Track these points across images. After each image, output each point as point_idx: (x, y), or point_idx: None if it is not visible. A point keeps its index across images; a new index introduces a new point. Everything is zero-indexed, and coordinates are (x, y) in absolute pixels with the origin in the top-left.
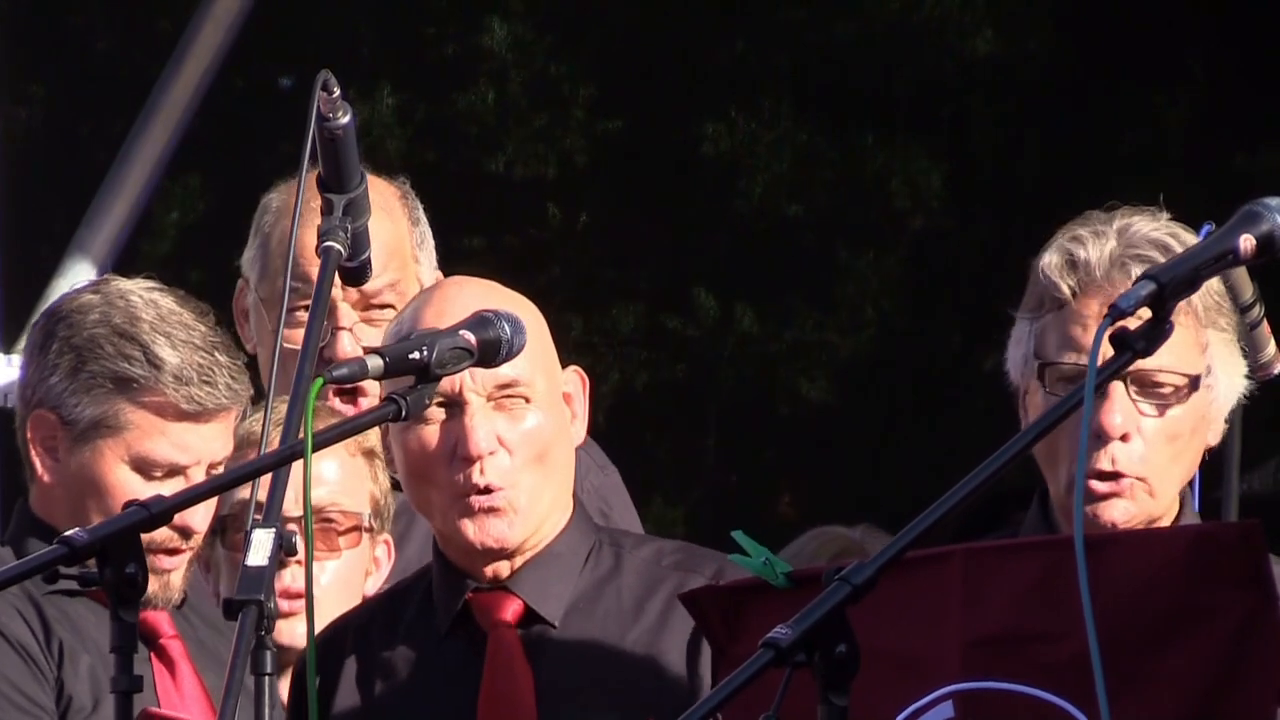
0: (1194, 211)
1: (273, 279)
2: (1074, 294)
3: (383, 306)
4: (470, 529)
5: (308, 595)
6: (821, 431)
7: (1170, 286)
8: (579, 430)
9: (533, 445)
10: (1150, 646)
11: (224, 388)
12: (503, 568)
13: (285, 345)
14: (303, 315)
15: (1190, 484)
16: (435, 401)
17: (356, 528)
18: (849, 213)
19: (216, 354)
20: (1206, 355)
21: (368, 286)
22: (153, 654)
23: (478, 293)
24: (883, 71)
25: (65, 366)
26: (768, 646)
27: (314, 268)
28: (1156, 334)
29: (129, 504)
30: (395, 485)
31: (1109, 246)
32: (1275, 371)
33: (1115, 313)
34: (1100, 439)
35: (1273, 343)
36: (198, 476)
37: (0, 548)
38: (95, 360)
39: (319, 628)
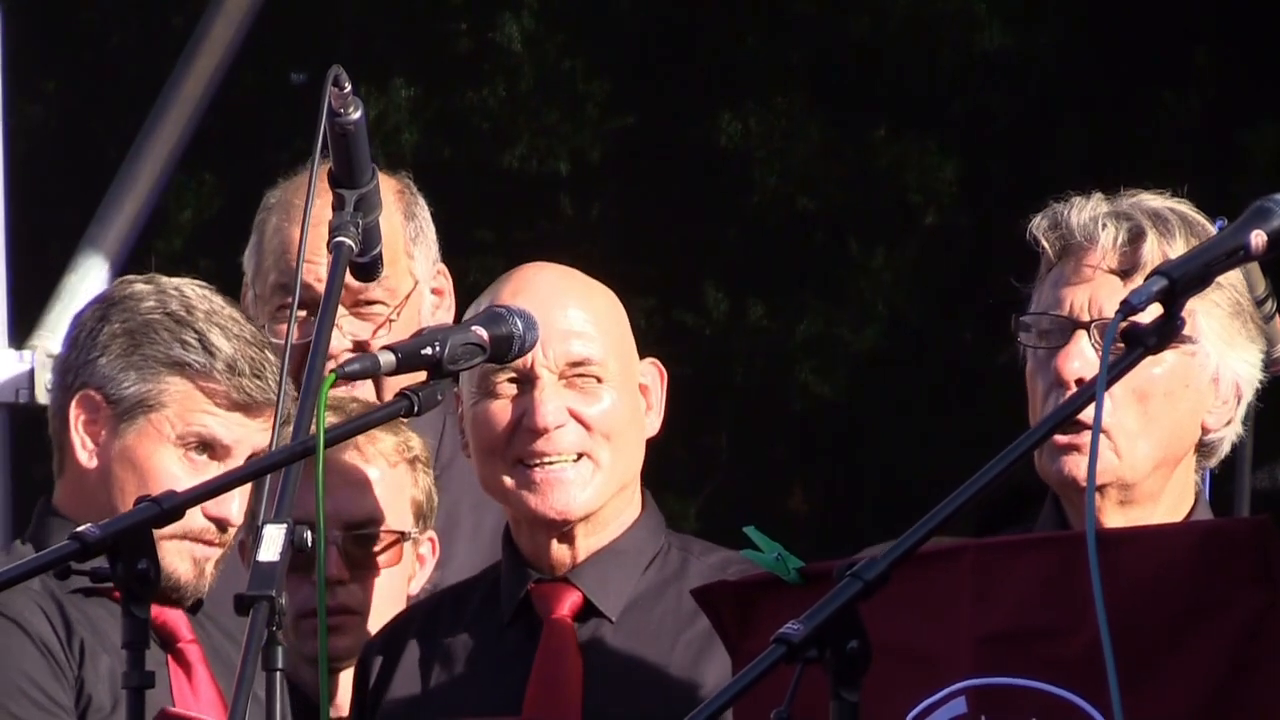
0: (1206, 207)
1: (264, 276)
2: (1057, 254)
3: (371, 302)
4: (533, 499)
5: (320, 594)
6: (834, 427)
7: (1181, 282)
8: (654, 422)
9: (602, 424)
10: (1162, 642)
11: (272, 383)
12: (567, 558)
13: (274, 340)
14: (299, 313)
15: (1202, 478)
16: (507, 378)
17: (398, 541)
18: (862, 207)
19: (266, 351)
20: (1191, 321)
21: (353, 282)
22: (170, 657)
23: (554, 276)
24: (896, 65)
25: (117, 348)
26: (779, 642)
27: (316, 265)
28: (1168, 329)
29: (140, 499)
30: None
31: (1095, 208)
32: None
33: (1126, 308)
34: (1059, 385)
35: None
36: (238, 462)
37: (22, 545)
38: (150, 344)
39: (364, 639)
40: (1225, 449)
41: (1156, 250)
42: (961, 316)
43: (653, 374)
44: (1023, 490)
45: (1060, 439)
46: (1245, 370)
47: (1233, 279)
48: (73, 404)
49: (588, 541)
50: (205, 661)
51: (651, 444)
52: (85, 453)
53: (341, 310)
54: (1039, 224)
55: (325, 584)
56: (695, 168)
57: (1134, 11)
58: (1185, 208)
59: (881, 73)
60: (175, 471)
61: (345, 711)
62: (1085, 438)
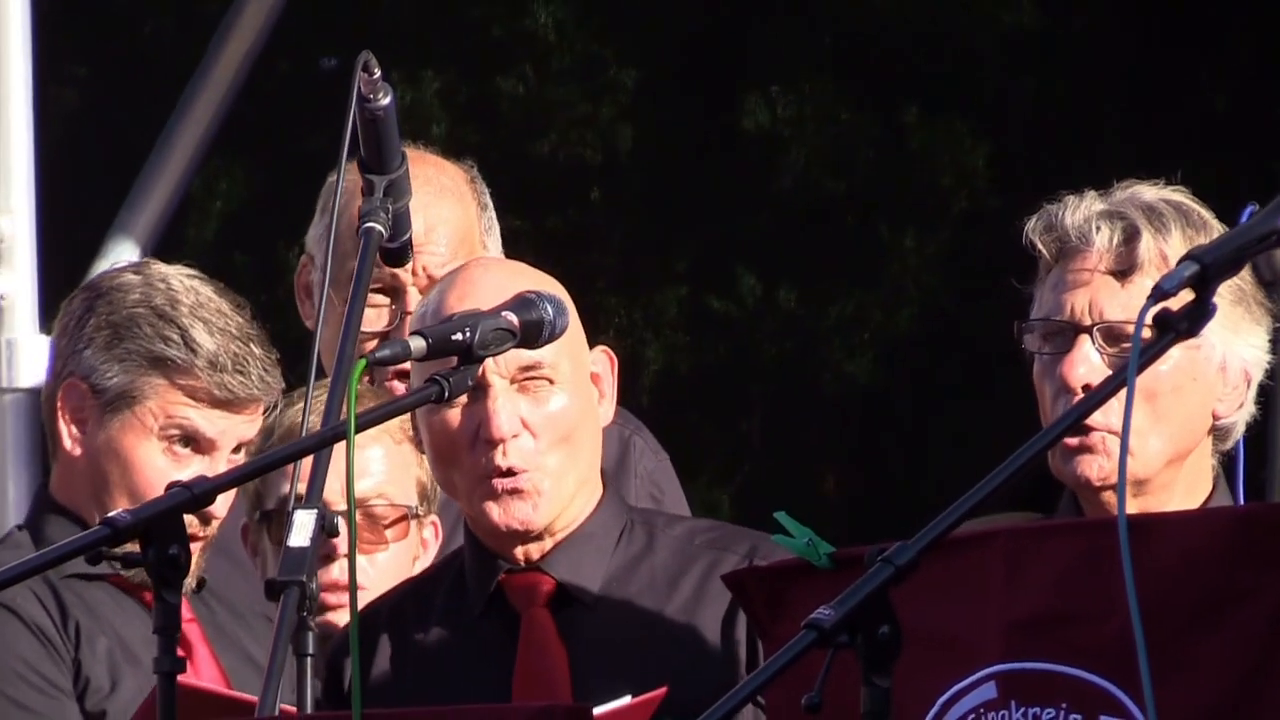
0: (1241, 190)
1: (342, 260)
2: (1055, 256)
3: None
4: (495, 511)
5: (350, 578)
6: (865, 410)
7: (1214, 267)
8: (606, 410)
9: (557, 427)
10: (1192, 628)
11: (256, 379)
12: (535, 549)
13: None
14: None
15: (1234, 463)
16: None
17: (404, 518)
18: (892, 191)
19: (251, 345)
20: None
21: (437, 272)
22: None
23: (504, 274)
24: (924, 48)
25: (101, 341)
26: (810, 628)
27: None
28: (1199, 314)
29: (172, 485)
30: None
31: (1089, 206)
32: None
33: (1158, 294)
34: (1066, 391)
35: None
36: (223, 455)
37: (20, 532)
38: (133, 339)
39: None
40: (1239, 431)
41: (1153, 248)
42: (993, 299)
43: (603, 362)
44: (1043, 478)
45: (1071, 441)
46: (1252, 354)
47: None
48: (60, 392)
49: (556, 534)
50: (205, 640)
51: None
52: (71, 440)
53: (420, 298)
54: (1034, 226)
55: (342, 559)
56: (724, 154)
57: None
58: (1181, 196)
59: (909, 55)
60: (159, 464)
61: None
62: (1094, 439)
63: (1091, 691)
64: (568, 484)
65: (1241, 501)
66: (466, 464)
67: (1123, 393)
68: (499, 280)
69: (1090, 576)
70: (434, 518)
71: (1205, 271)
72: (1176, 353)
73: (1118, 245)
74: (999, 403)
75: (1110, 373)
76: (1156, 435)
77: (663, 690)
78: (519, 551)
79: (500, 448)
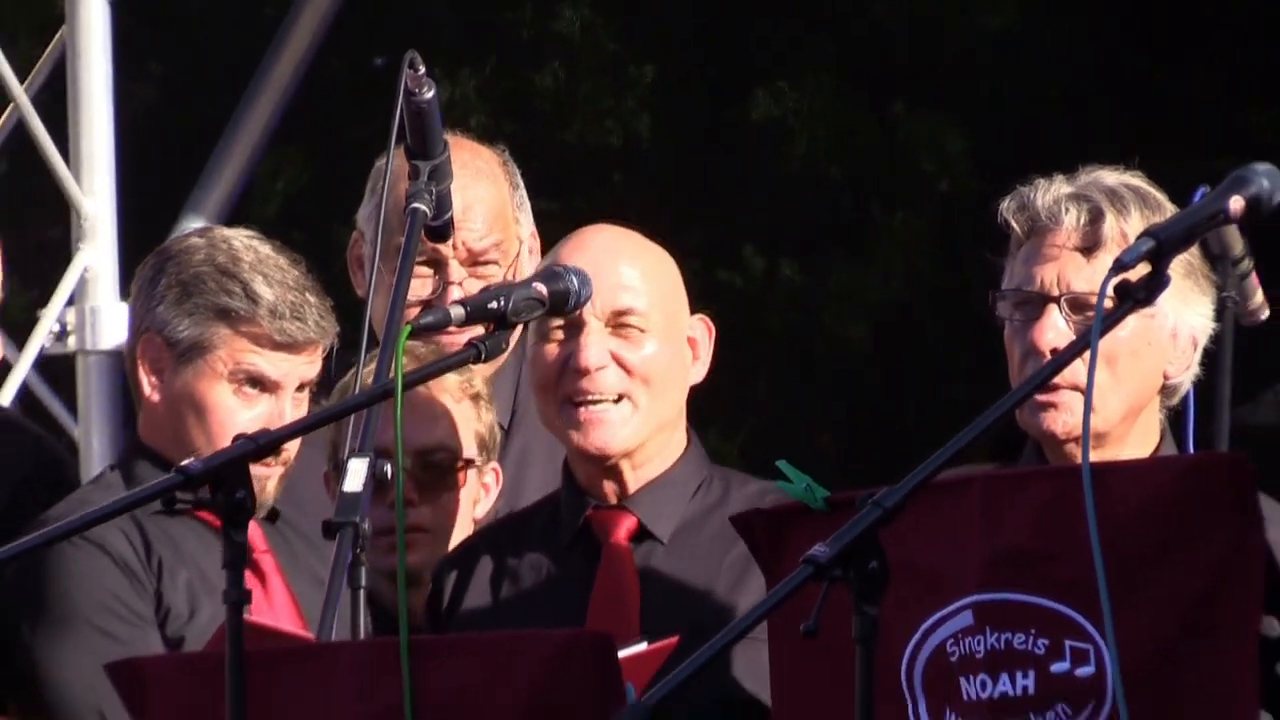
0: (1189, 179)
1: (390, 236)
2: (1026, 233)
3: (487, 263)
4: (577, 436)
5: (399, 521)
6: (859, 372)
7: (1168, 243)
8: (698, 371)
9: (641, 369)
10: (1148, 563)
11: (313, 324)
12: (619, 488)
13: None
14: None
15: (1184, 417)
16: (559, 324)
17: (464, 467)
18: (882, 176)
19: (307, 294)
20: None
21: (475, 246)
22: (246, 568)
23: (610, 236)
24: (912, 49)
25: (172, 298)
26: (808, 563)
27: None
28: (1155, 285)
29: (239, 437)
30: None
31: (1056, 189)
32: (1263, 317)
33: (1119, 266)
34: (1035, 354)
35: (1260, 292)
36: (288, 394)
37: (111, 472)
38: (200, 294)
39: (437, 554)
40: (1184, 390)
41: (1115, 227)
42: (972, 272)
43: (701, 329)
44: (1007, 432)
45: (1040, 398)
46: (1199, 322)
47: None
48: (139, 346)
49: (636, 473)
50: (279, 570)
51: (698, 387)
52: (151, 388)
53: (461, 272)
54: (1008, 206)
55: (402, 508)
56: (733, 141)
57: None
58: (1139, 181)
59: (901, 56)
60: (230, 404)
61: (419, 619)
62: (1061, 396)
63: (1058, 619)
64: (646, 421)
65: (1191, 451)
66: (557, 392)
67: (1087, 354)
68: (607, 241)
69: (1057, 518)
70: (494, 465)
71: (1160, 247)
72: (1134, 321)
73: (1084, 225)
74: (979, 364)
75: (1074, 338)
76: (1115, 394)
77: (674, 640)
78: (608, 488)
79: (587, 377)
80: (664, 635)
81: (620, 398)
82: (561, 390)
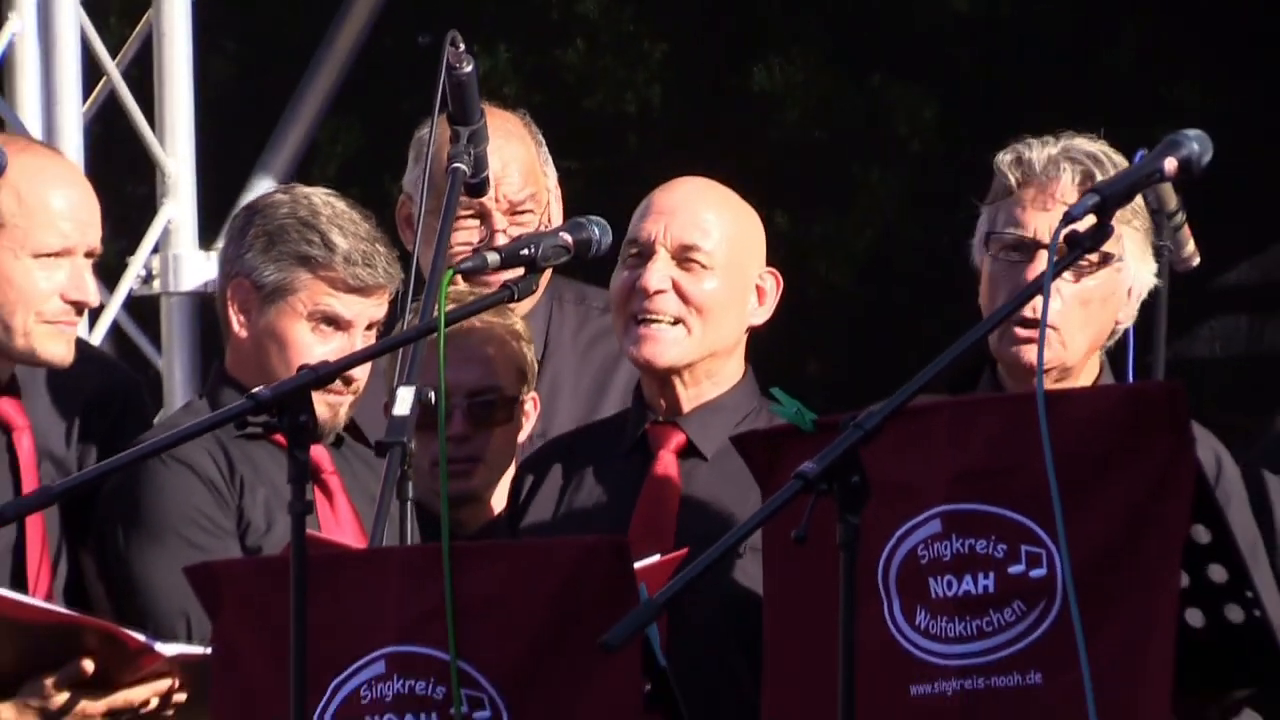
0: (1135, 143)
1: (436, 193)
2: (1018, 183)
3: (523, 212)
4: (633, 348)
5: (441, 442)
6: (842, 309)
7: (1111, 199)
8: (762, 314)
9: (698, 300)
10: (1094, 477)
11: (382, 270)
12: (676, 406)
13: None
14: (459, 222)
15: (1124, 351)
16: (635, 252)
17: (510, 403)
18: (862, 138)
19: (376, 244)
20: (1119, 244)
21: (514, 197)
22: (316, 486)
23: (698, 185)
24: (887, 28)
25: (259, 246)
26: (798, 478)
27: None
28: (1100, 234)
29: (302, 368)
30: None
31: (1050, 149)
32: (1194, 264)
33: (1068, 218)
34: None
35: (1191, 242)
36: (359, 331)
37: (199, 399)
38: (284, 243)
39: (491, 479)
40: (1121, 332)
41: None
42: (940, 223)
43: (771, 281)
44: (981, 360)
45: (1022, 333)
46: (1148, 280)
47: (1140, 206)
48: (229, 289)
49: (689, 393)
50: (344, 490)
51: None
52: (239, 326)
53: (503, 221)
54: (1004, 158)
55: (447, 436)
56: (733, 109)
57: None
58: (1107, 147)
59: (877, 34)
60: (308, 340)
61: (467, 530)
62: (1037, 332)
63: (1015, 527)
64: (697, 346)
65: (1131, 380)
66: (624, 310)
67: (1067, 295)
68: (695, 188)
69: (1014, 438)
70: (534, 395)
71: (1104, 202)
72: (1105, 274)
73: (1079, 183)
74: (945, 304)
75: (1060, 283)
76: (1083, 333)
77: (683, 551)
78: (665, 405)
79: (648, 298)
80: (695, 538)
81: (676, 321)
82: (629, 308)
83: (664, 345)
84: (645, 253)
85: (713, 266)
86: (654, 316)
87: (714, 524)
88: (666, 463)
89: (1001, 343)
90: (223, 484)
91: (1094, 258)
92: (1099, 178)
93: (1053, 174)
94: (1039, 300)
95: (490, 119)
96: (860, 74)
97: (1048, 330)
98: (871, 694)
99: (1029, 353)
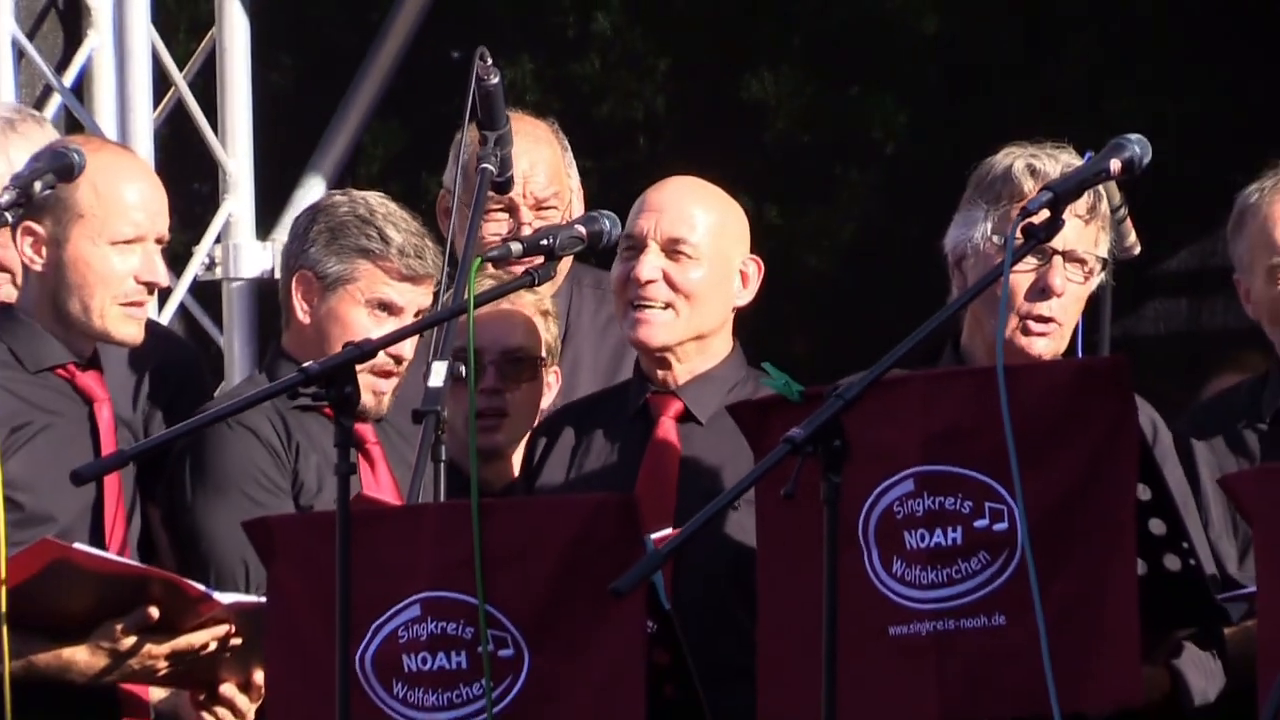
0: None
1: (469, 190)
2: (1032, 192)
3: (549, 208)
4: (630, 330)
5: (471, 409)
6: (825, 293)
7: (1063, 195)
8: (745, 296)
9: (686, 286)
10: (1049, 440)
11: (431, 262)
12: (673, 378)
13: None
14: (490, 214)
15: (1076, 330)
16: (630, 246)
17: (538, 364)
18: (843, 142)
19: (425, 240)
20: (1105, 247)
21: (539, 194)
22: (360, 454)
23: (687, 183)
24: (864, 43)
25: (322, 240)
26: (786, 441)
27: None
28: (1054, 227)
29: (347, 344)
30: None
31: (1019, 161)
32: (1135, 253)
33: (1025, 213)
34: (1045, 293)
35: (1133, 234)
36: (408, 316)
37: (259, 374)
38: (344, 238)
39: (515, 435)
40: None
41: (1102, 204)
42: (911, 216)
43: (754, 267)
44: (948, 338)
45: (1036, 327)
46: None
47: (1107, 211)
48: (294, 280)
49: (682, 367)
50: (385, 458)
51: None
52: (303, 313)
53: (529, 215)
54: (1019, 167)
55: (478, 390)
56: (729, 117)
57: (1031, 4)
58: (1065, 153)
59: (857, 49)
60: (365, 324)
61: (493, 487)
62: (1049, 327)
63: (979, 486)
64: (685, 328)
65: (1080, 355)
66: (622, 297)
67: (1079, 295)
68: (683, 186)
69: (979, 407)
70: (556, 369)
71: (1057, 198)
72: (1092, 280)
73: (1089, 201)
74: (917, 289)
75: (1067, 284)
76: (1068, 326)
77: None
78: (662, 378)
79: (641, 287)
80: (694, 493)
81: (667, 306)
82: (625, 296)
83: (655, 327)
84: (638, 246)
85: (698, 257)
86: (647, 303)
87: (710, 480)
88: (667, 428)
89: (1015, 333)
90: (281, 448)
91: (1094, 262)
92: (1102, 191)
93: (1022, 181)
94: (1054, 303)
95: (523, 124)
96: (841, 85)
97: (1055, 326)
98: (854, 634)
99: (1038, 345)
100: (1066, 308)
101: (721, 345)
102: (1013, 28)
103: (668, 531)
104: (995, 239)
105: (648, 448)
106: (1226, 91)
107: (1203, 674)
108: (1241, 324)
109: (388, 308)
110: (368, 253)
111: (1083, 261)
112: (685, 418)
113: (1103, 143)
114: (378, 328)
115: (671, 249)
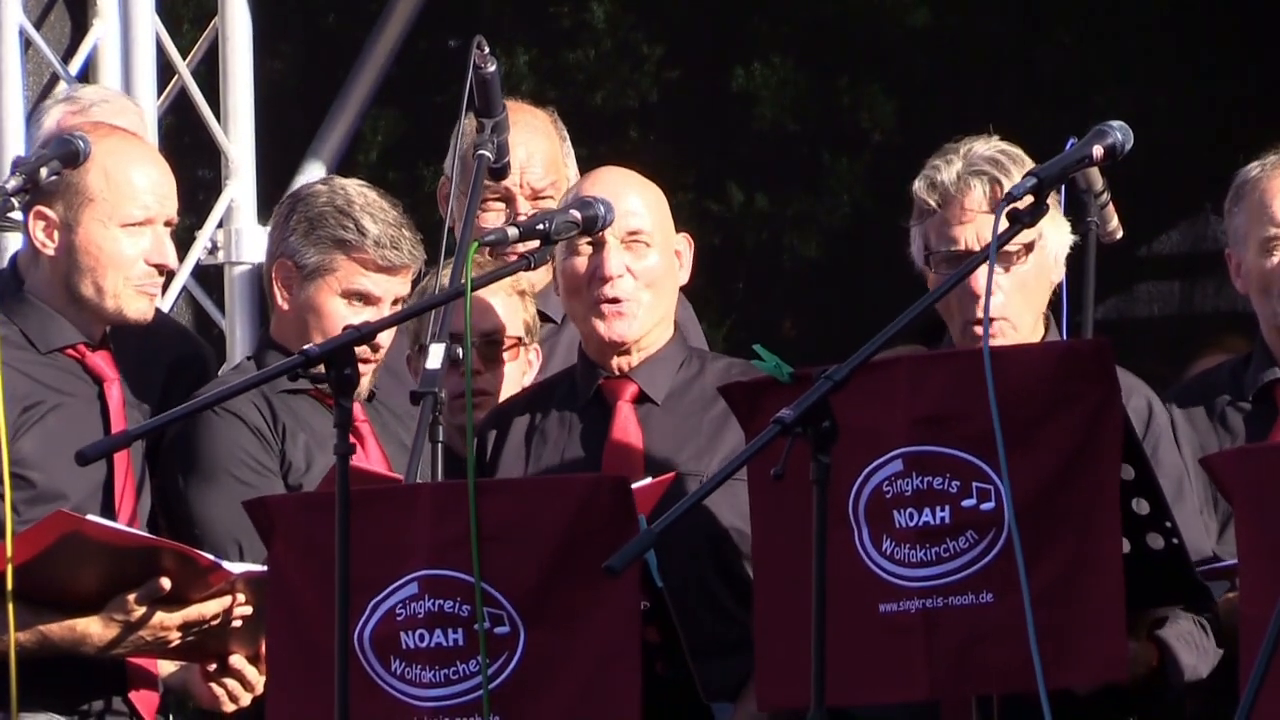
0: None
1: (466, 175)
2: (938, 204)
3: (545, 197)
4: (601, 327)
5: (467, 391)
6: (813, 277)
7: (1047, 180)
8: (683, 275)
9: (648, 275)
10: (1034, 422)
11: (407, 252)
12: (625, 363)
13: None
14: (487, 204)
15: (1059, 313)
16: (584, 242)
17: (516, 344)
18: (831, 131)
19: (403, 230)
20: (1035, 227)
21: (536, 184)
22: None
23: (620, 174)
24: (852, 36)
25: (301, 230)
26: (777, 422)
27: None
28: (1037, 212)
29: (347, 328)
30: (543, 318)
31: (955, 168)
32: (1118, 237)
33: (1009, 197)
34: (972, 296)
35: (1115, 218)
36: (386, 305)
37: (247, 361)
38: (322, 228)
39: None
40: (1055, 285)
41: (1006, 187)
42: (898, 204)
43: (684, 244)
44: (933, 323)
45: (978, 330)
46: (1065, 237)
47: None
48: (274, 268)
49: (637, 353)
50: (374, 434)
51: (691, 290)
52: (283, 300)
53: (526, 205)
54: (919, 185)
55: (470, 380)
56: (720, 105)
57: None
58: (1007, 145)
59: (845, 41)
60: (342, 313)
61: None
62: (996, 327)
63: (967, 466)
64: (650, 315)
65: (1064, 337)
66: (585, 294)
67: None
68: (618, 178)
69: (966, 388)
70: (536, 346)
71: (1041, 183)
72: (1033, 257)
73: (989, 193)
74: (902, 276)
75: (998, 278)
76: (1029, 313)
77: (671, 475)
78: (615, 364)
79: (610, 283)
80: (660, 468)
81: (634, 299)
82: (590, 293)
83: (628, 321)
84: (597, 243)
85: (653, 244)
86: (619, 299)
87: (673, 454)
88: (624, 411)
89: (963, 340)
90: (267, 431)
91: (1017, 249)
92: (1002, 179)
93: (964, 189)
94: (997, 298)
95: (522, 114)
96: (829, 76)
97: (1002, 322)
98: (845, 611)
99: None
100: (1007, 303)
101: (669, 326)
102: (1000, 17)
103: (648, 481)
104: (930, 262)
105: (610, 430)
106: (1216, 76)
107: (1193, 650)
108: (1233, 306)
109: (364, 298)
110: (344, 244)
111: (1006, 253)
112: (641, 399)
113: (1087, 128)
114: (355, 318)
115: (630, 240)
